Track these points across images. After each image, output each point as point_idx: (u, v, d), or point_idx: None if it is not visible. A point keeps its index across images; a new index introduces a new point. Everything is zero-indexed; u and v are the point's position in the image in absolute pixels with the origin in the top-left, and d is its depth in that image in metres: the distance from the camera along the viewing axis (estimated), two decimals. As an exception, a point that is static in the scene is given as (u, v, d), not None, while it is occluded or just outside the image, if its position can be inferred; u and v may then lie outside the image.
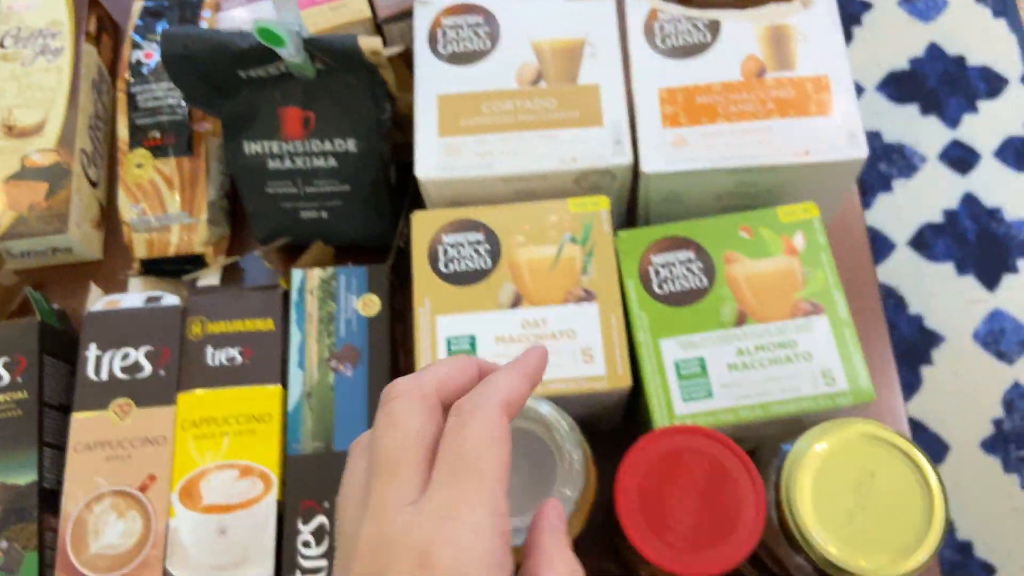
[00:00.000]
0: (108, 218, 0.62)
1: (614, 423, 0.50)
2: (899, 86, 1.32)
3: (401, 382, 0.28)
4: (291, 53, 0.45)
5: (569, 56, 0.49)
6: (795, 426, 0.42)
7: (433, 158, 0.48)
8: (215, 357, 0.51)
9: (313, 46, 0.47)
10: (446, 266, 0.46)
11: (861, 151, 0.45)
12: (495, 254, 0.46)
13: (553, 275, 0.46)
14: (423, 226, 0.47)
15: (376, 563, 0.25)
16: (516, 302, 0.45)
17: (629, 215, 0.54)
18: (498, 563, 0.25)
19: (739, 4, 0.49)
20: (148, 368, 0.51)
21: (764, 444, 0.44)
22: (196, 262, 0.58)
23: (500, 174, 0.47)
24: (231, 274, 0.57)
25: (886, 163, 1.27)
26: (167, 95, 0.58)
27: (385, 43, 0.53)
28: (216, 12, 0.63)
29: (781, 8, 0.48)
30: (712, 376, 0.43)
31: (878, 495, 0.38)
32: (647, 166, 0.46)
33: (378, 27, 0.53)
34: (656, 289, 0.45)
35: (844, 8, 1.38)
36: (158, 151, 0.58)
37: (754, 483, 0.39)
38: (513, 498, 0.38)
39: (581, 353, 0.44)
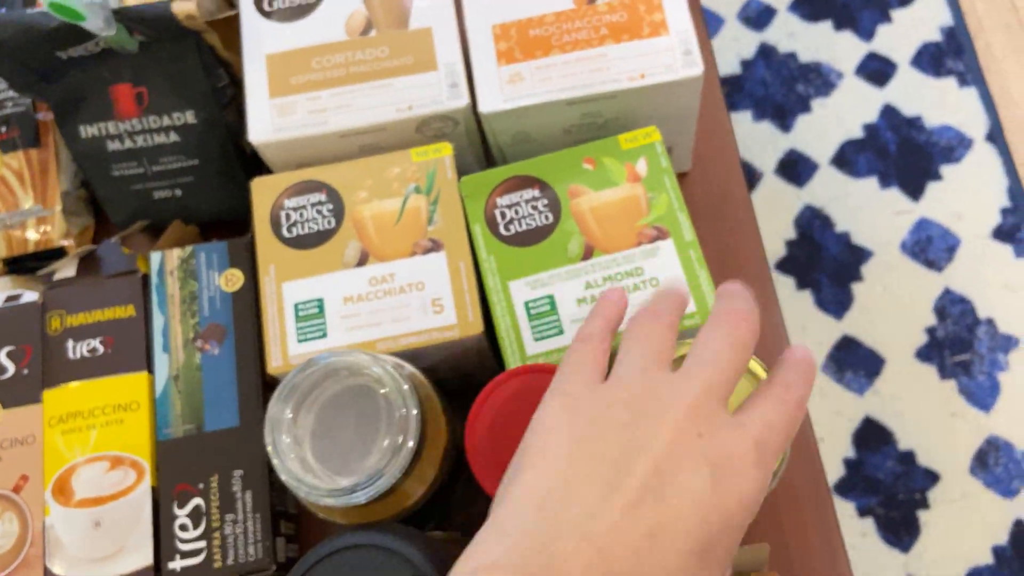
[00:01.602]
0: (-29, 221, 0.60)
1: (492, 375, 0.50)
2: (811, 4, 1.30)
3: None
4: (99, 27, 0.43)
5: (398, 1, 0.48)
6: (651, 353, 0.42)
7: (266, 120, 0.46)
8: (76, 350, 0.49)
9: (124, 17, 0.45)
10: (289, 231, 0.45)
11: (697, 69, 0.44)
12: (338, 213, 0.45)
13: (399, 228, 0.45)
14: (263, 192, 0.46)
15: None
16: (362, 260, 0.44)
17: (489, 162, 0.53)
18: None
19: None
20: (11, 368, 0.50)
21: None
22: (61, 256, 0.56)
23: (336, 130, 0.46)
24: (90, 264, 0.55)
25: (803, 84, 1.26)
26: (8, 87, 0.56)
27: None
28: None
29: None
30: (562, 313, 0.42)
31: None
32: (484, 106, 0.45)
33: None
34: (503, 231, 0.44)
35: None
36: (5, 145, 0.56)
37: (602, 415, 0.38)
38: (347, 455, 0.37)
39: (431, 304, 0.43)
